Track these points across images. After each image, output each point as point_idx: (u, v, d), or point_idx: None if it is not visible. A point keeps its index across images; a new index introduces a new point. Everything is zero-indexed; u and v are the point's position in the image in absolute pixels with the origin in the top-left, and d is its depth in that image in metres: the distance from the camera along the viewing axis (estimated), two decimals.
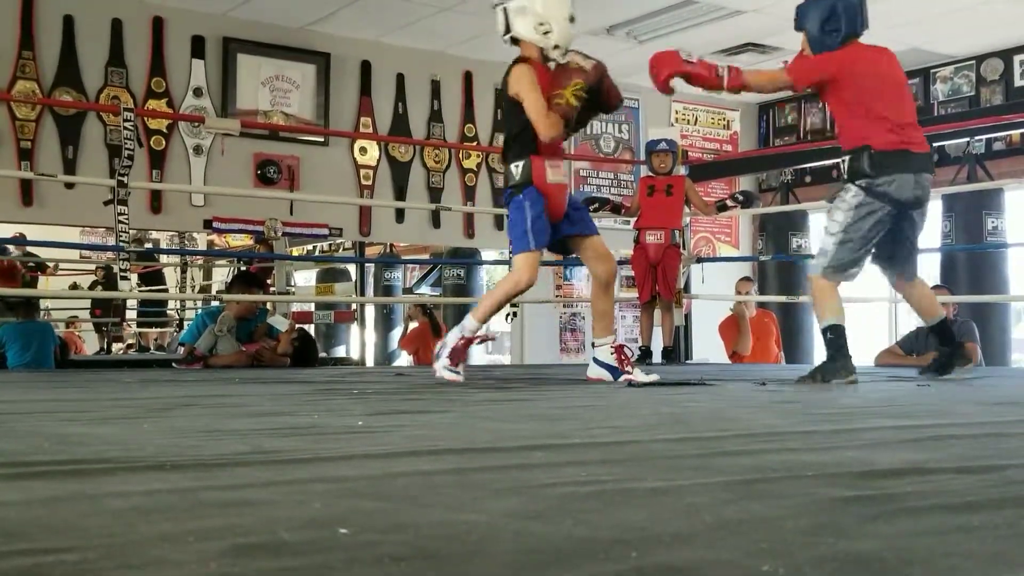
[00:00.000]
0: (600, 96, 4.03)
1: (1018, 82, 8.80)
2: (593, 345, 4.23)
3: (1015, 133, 8.38)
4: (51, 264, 10.34)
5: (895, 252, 4.24)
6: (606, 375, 4.07)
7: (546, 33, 4.04)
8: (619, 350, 4.08)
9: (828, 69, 4.14)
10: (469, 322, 4.04)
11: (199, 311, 8.02)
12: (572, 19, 4.11)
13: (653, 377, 3.91)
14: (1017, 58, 8.79)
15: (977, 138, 8.05)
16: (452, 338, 4.02)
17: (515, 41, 4.11)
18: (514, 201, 4.02)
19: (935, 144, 8.67)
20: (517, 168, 4.02)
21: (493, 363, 10.90)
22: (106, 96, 7.51)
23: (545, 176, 4.04)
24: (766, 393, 3.35)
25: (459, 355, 3.99)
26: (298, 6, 7.76)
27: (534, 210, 4.01)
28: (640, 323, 7.23)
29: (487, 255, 9.73)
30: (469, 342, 4.02)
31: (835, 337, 4.09)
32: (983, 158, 8.20)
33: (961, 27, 8.29)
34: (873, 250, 4.21)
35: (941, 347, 4.51)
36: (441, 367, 3.93)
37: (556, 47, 4.04)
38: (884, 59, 4.19)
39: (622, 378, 4.00)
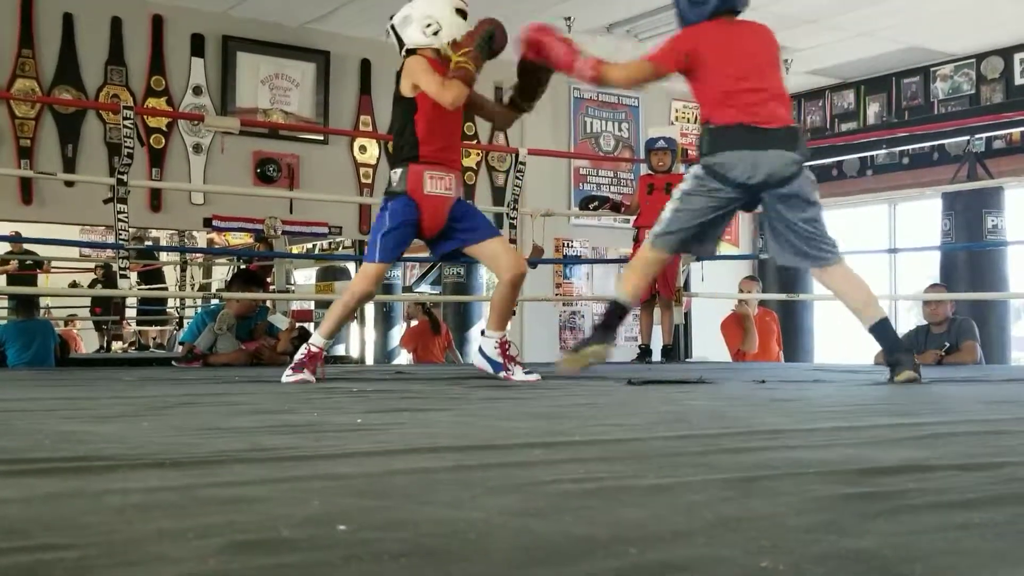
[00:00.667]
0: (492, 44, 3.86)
1: (1018, 80, 8.80)
2: (482, 334, 4.17)
3: (1015, 131, 8.38)
4: (46, 261, 10.33)
5: (778, 237, 3.83)
6: (487, 367, 4.03)
7: (435, 32, 3.88)
8: (502, 345, 4.05)
9: (680, 46, 3.82)
10: (315, 337, 3.94)
11: (199, 310, 8.02)
12: (460, 11, 3.94)
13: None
14: (1017, 56, 8.79)
15: (977, 136, 8.05)
16: (299, 352, 3.91)
17: (411, 52, 3.92)
18: (381, 207, 3.92)
19: (936, 142, 8.78)
20: (395, 174, 3.89)
21: None
22: (106, 94, 7.51)
23: (423, 186, 3.86)
24: (766, 391, 3.35)
25: (305, 366, 3.84)
26: (298, 4, 7.77)
27: (393, 221, 3.85)
28: (640, 321, 7.23)
29: None
30: (315, 357, 3.88)
31: (611, 311, 3.96)
32: (983, 156, 8.20)
33: (961, 26, 8.29)
34: (708, 230, 3.88)
35: (887, 355, 3.91)
36: (284, 376, 3.81)
37: (450, 43, 3.87)
38: (750, 35, 3.85)
39: (501, 374, 3.98)
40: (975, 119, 7.92)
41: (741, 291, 7.98)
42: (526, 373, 3.95)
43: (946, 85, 9.31)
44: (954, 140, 8.47)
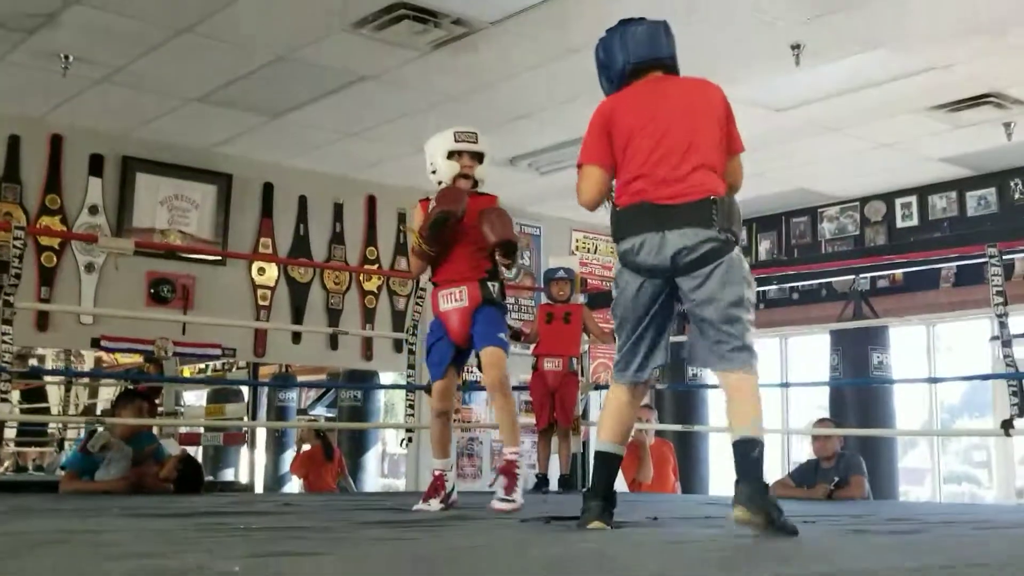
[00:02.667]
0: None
1: (900, 223, 9.22)
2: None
3: (897, 272, 8.74)
4: None
5: (692, 331, 3.24)
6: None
7: (433, 173, 4.27)
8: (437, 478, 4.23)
9: (596, 121, 3.35)
10: (432, 461, 4.28)
11: (83, 432, 7.76)
12: (451, 153, 4.25)
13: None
14: (899, 201, 9.24)
15: (862, 276, 8.36)
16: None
17: None
18: None
19: (824, 280, 9.08)
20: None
21: (387, 488, 10.73)
22: None
23: (438, 306, 4.25)
24: (657, 531, 3.34)
25: (431, 496, 4.18)
26: (201, 128, 7.78)
27: (430, 340, 4.27)
28: (537, 450, 7.20)
29: (385, 378, 9.65)
30: (438, 483, 4.19)
31: (597, 467, 3.32)
32: (868, 295, 8.50)
33: (845, 171, 8.72)
34: (654, 335, 3.26)
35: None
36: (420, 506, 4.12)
37: (439, 183, 4.25)
38: (677, 93, 3.34)
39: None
40: (860, 260, 8.24)
41: (638, 420, 8.02)
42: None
43: (832, 226, 9.71)
44: (841, 279, 8.78)
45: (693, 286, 3.11)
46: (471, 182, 4.27)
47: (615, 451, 3.30)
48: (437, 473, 4.21)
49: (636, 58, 3.39)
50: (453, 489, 4.23)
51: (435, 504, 4.13)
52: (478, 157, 4.30)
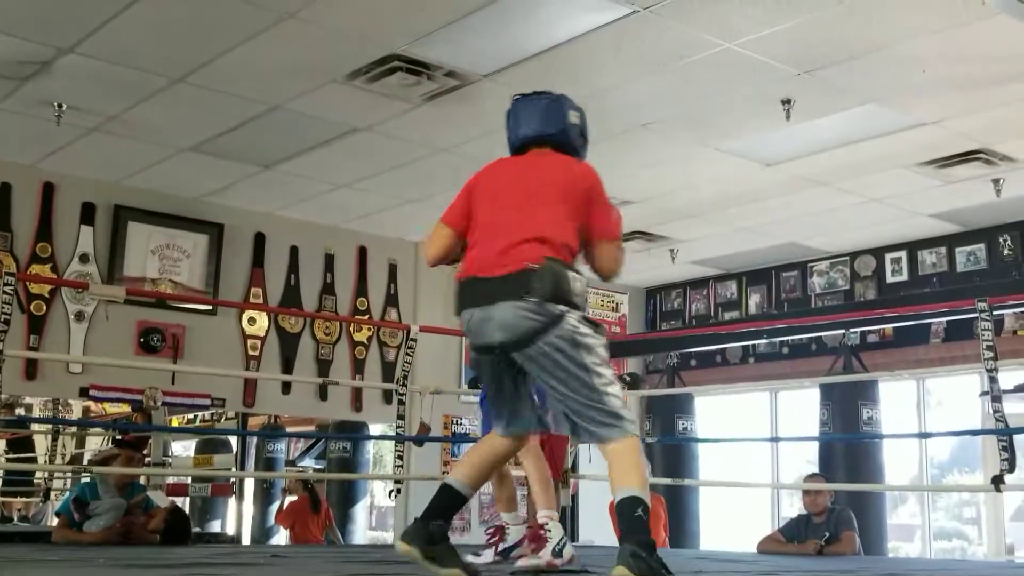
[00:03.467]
0: None
1: (890, 278, 9.26)
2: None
3: (888, 327, 8.75)
4: None
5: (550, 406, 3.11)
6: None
7: None
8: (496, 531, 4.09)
9: (465, 187, 3.32)
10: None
11: (81, 481, 7.68)
12: None
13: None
14: (888, 256, 9.28)
15: (852, 330, 8.37)
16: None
17: None
18: None
19: (814, 334, 9.09)
20: None
21: (376, 540, 10.62)
22: None
23: None
24: None
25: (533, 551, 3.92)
26: (194, 177, 7.80)
27: (481, 394, 4.06)
28: (527, 502, 7.15)
29: (374, 429, 9.59)
30: (537, 538, 3.91)
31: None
32: (858, 350, 8.51)
33: (835, 226, 8.76)
34: (512, 403, 3.14)
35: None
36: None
37: None
38: (531, 168, 3.24)
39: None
40: (850, 314, 8.25)
41: None
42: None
43: (822, 280, 9.74)
44: (831, 333, 8.79)
45: (526, 363, 2.99)
46: None
47: (461, 489, 3.09)
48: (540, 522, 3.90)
49: (516, 137, 3.34)
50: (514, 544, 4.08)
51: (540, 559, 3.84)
52: None
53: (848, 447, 8.27)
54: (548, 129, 3.28)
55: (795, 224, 8.77)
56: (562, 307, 2.92)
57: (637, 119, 6.62)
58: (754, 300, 10.29)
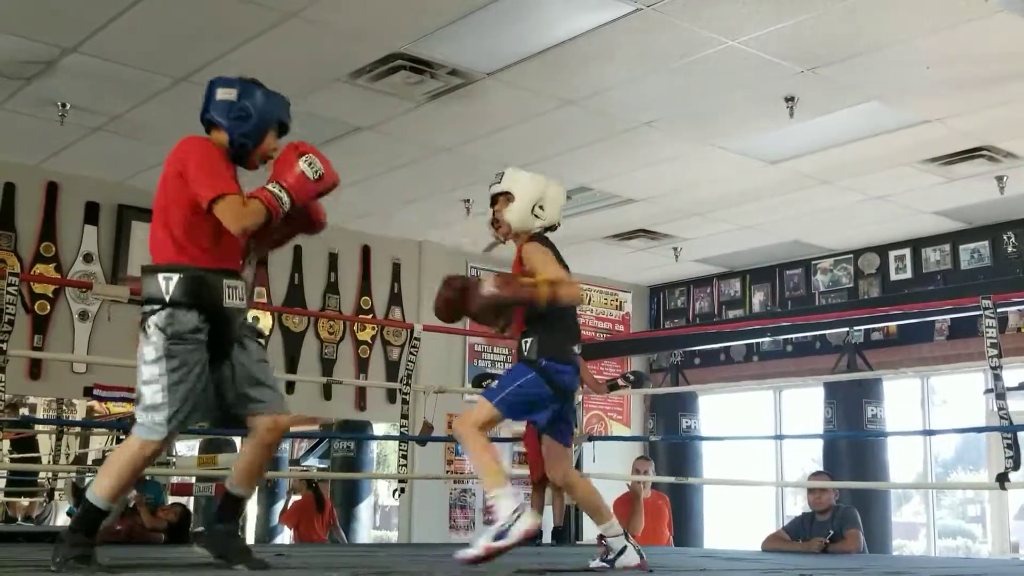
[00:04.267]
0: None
1: (894, 276, 9.24)
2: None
3: (892, 325, 8.74)
4: None
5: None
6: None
7: (540, 209, 3.98)
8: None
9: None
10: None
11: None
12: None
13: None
14: (892, 253, 9.27)
15: (856, 328, 8.37)
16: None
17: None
18: None
19: (818, 332, 9.07)
20: None
21: (380, 540, 10.63)
22: None
23: None
24: None
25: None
26: None
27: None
28: (531, 502, 7.15)
29: (378, 428, 9.60)
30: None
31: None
32: (862, 347, 8.49)
33: (839, 223, 8.75)
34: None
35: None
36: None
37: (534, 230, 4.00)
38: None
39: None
40: (854, 311, 8.25)
41: (636, 471, 7.96)
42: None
43: (826, 278, 9.73)
44: (835, 331, 8.78)
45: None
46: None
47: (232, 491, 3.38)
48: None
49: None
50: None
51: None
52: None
53: (852, 445, 8.26)
54: (202, 114, 3.46)
55: (799, 222, 8.76)
56: (153, 306, 3.16)
57: (640, 117, 6.61)
58: (758, 298, 10.28)
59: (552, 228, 4.00)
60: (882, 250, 9.36)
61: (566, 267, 3.85)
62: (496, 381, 3.88)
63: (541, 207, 3.94)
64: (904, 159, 7.24)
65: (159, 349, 3.12)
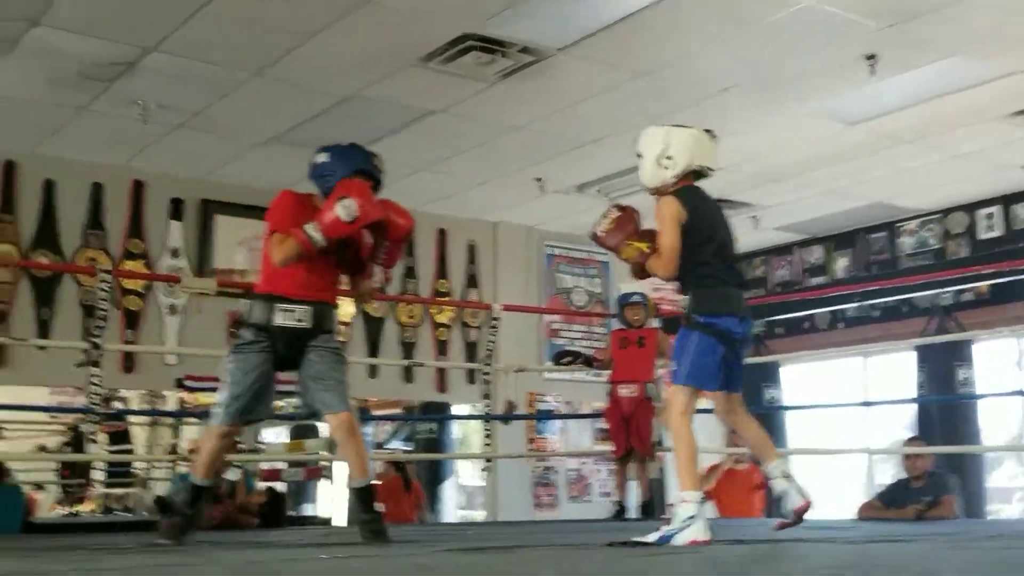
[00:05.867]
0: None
1: (982, 235, 9.00)
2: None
3: (982, 285, 8.52)
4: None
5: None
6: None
7: (669, 159, 3.88)
8: None
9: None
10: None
11: (181, 472, 7.89)
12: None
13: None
14: (981, 212, 9.02)
15: (945, 290, 8.19)
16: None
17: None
18: None
19: (905, 296, 8.88)
20: None
21: (465, 519, 10.71)
22: (83, 257, 7.55)
23: None
24: (746, 552, 3.28)
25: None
26: (276, 169, 7.89)
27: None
28: (616, 477, 7.14)
29: (458, 410, 9.67)
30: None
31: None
32: (952, 309, 8.31)
33: (924, 183, 8.54)
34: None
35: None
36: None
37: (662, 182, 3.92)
38: None
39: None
40: (942, 273, 8.06)
41: (733, 444, 7.92)
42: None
43: (912, 240, 9.51)
44: (923, 293, 8.60)
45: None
46: None
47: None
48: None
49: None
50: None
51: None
52: None
53: (944, 410, 8.11)
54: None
55: (882, 184, 8.57)
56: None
57: (716, 85, 6.53)
58: (841, 264, 10.10)
59: (701, 174, 3.89)
60: (970, 208, 9.10)
61: (709, 222, 3.81)
62: (673, 363, 3.80)
63: (668, 157, 3.84)
64: (991, 113, 7.04)
65: (226, 357, 3.93)
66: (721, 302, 3.75)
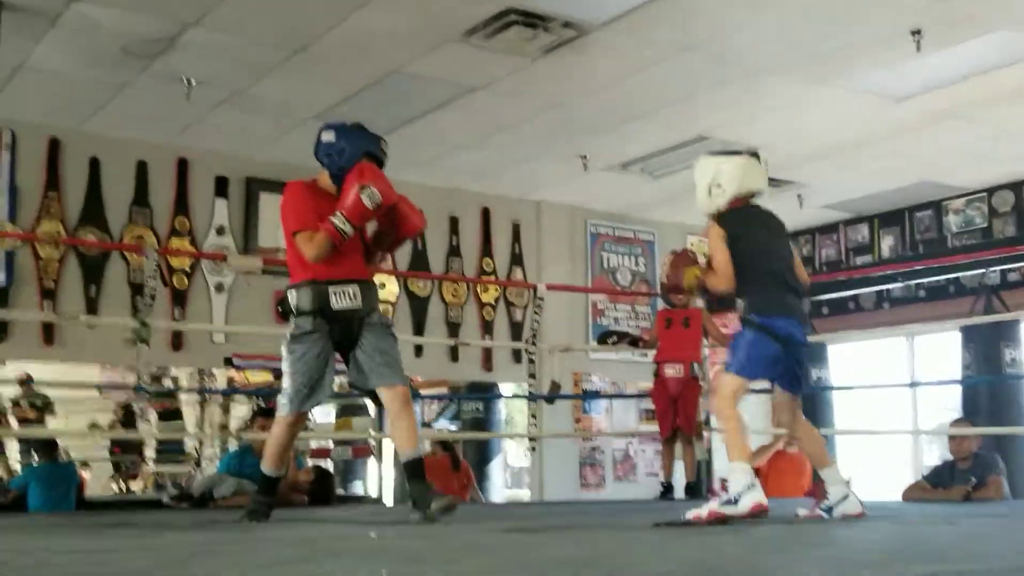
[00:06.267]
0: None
1: None
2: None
3: None
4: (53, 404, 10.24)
5: None
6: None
7: (718, 187, 4.21)
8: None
9: None
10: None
11: (231, 450, 8.01)
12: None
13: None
14: None
15: (992, 269, 8.07)
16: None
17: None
18: None
19: (952, 275, 8.77)
20: None
21: (512, 499, 10.76)
22: (130, 235, 7.63)
23: None
24: (795, 533, 3.28)
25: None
26: None
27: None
28: (662, 458, 7.14)
29: (505, 389, 9.69)
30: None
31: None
32: (999, 289, 8.20)
33: (971, 161, 8.41)
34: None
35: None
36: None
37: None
38: None
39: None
40: (989, 252, 7.95)
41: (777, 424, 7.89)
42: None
43: (959, 218, 9.37)
44: (969, 273, 8.48)
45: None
46: None
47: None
48: None
49: None
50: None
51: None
52: None
53: (991, 390, 8.01)
54: (314, 153, 4.17)
55: (928, 161, 8.46)
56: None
57: (759, 60, 6.46)
58: (887, 243, 9.98)
59: (752, 195, 4.21)
60: (1017, 187, 8.95)
61: (757, 236, 4.13)
62: (729, 353, 4.11)
63: (718, 185, 4.17)
64: None
65: (285, 347, 4.00)
66: (775, 305, 4.04)
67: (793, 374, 4.11)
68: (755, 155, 4.26)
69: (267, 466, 4.11)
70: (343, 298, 3.95)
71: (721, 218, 4.14)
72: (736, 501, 3.64)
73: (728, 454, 3.86)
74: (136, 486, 10.78)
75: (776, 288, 4.07)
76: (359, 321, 3.98)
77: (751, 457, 3.88)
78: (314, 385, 3.96)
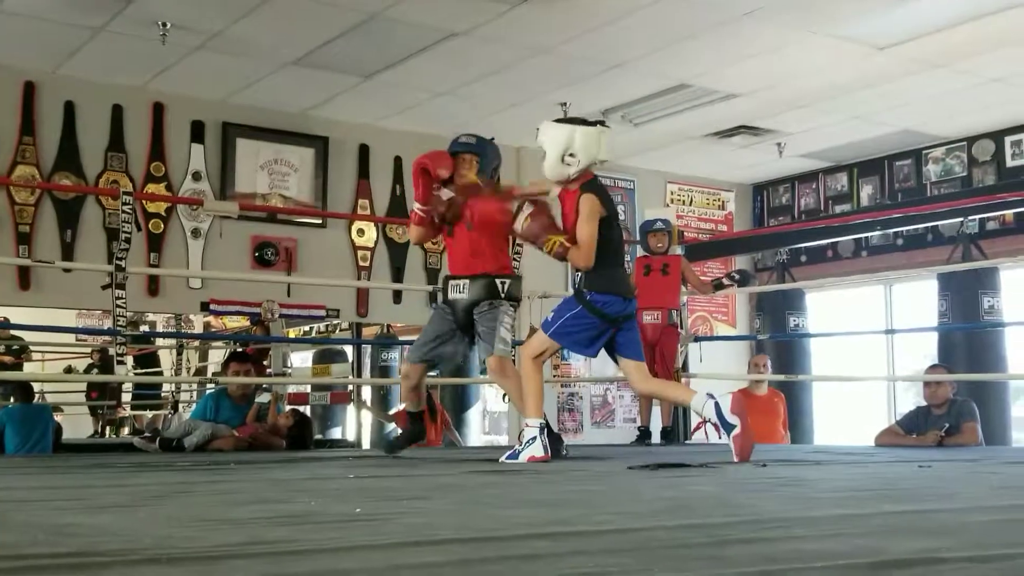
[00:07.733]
0: None
1: (1010, 162, 8.89)
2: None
3: (1008, 213, 8.43)
4: (29, 347, 10.22)
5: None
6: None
7: (571, 156, 4.31)
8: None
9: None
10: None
11: (207, 392, 8.00)
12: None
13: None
14: (1008, 139, 8.89)
15: (971, 218, 8.10)
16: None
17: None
18: None
19: (930, 224, 8.81)
20: None
21: (490, 444, 10.82)
22: (105, 180, 7.56)
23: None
24: (768, 475, 3.31)
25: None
26: (297, 91, 7.86)
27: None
28: (639, 403, 7.19)
29: None
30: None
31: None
32: (977, 237, 8.24)
33: (952, 109, 8.40)
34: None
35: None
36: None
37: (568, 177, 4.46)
38: None
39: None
40: (968, 200, 7.98)
41: (754, 366, 8.02)
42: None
43: (938, 167, 9.40)
44: (948, 221, 8.51)
45: None
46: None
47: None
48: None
49: None
50: None
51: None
52: None
53: (968, 338, 8.08)
54: None
55: (909, 110, 8.45)
56: None
57: (741, 6, 6.40)
58: (866, 192, 10.01)
59: (595, 165, 4.31)
60: (997, 136, 8.97)
61: (616, 218, 4.29)
62: (551, 312, 4.34)
63: (572, 154, 4.22)
64: (1019, 38, 6.89)
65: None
66: (611, 283, 4.22)
67: (633, 341, 4.35)
68: (605, 124, 4.35)
69: (407, 403, 4.96)
70: (453, 290, 4.69)
71: (596, 192, 4.20)
72: (517, 454, 4.11)
73: (524, 410, 4.26)
74: (114, 431, 10.80)
75: (620, 268, 4.38)
76: (471, 311, 4.62)
77: (541, 413, 4.20)
78: (444, 348, 4.70)
